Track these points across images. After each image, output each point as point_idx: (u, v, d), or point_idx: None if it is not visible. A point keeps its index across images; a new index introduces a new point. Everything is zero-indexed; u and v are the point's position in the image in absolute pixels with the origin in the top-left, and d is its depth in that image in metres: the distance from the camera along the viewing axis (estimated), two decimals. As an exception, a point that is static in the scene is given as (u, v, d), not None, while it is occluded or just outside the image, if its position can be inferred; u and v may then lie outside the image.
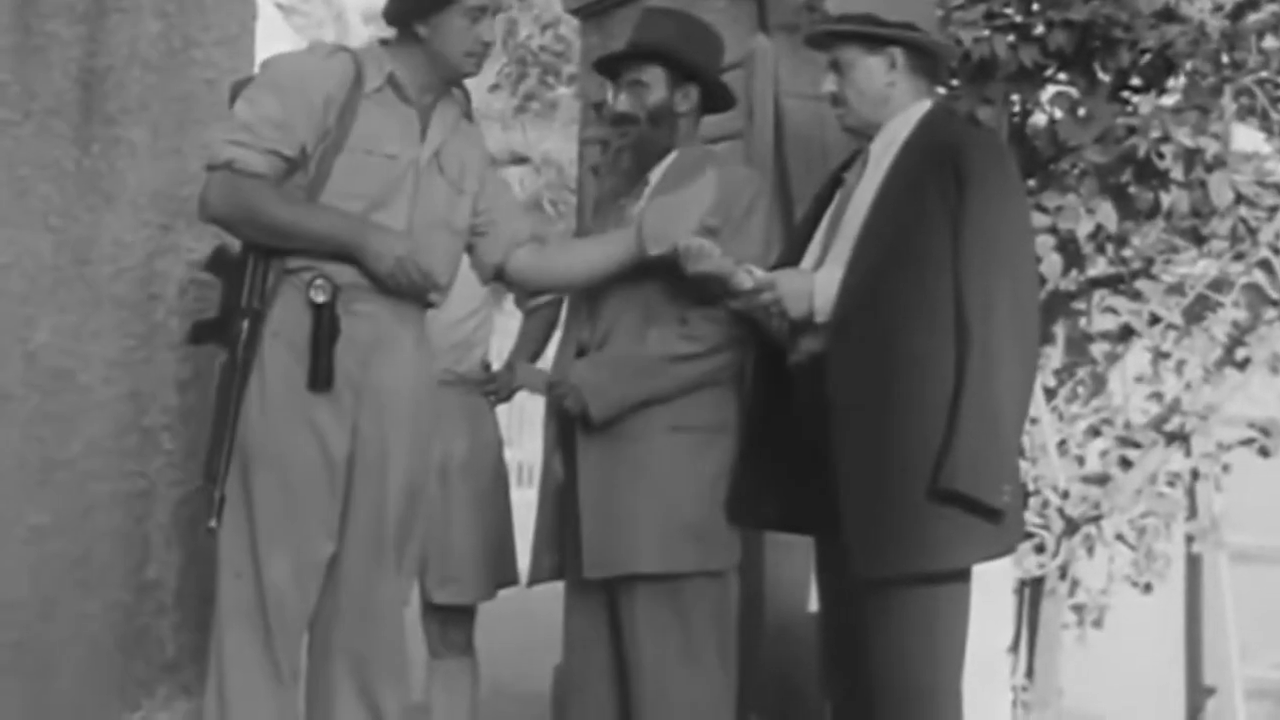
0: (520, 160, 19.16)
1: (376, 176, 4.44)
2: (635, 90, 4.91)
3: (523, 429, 17.08)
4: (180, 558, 5.02)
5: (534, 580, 5.01)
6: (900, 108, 4.54)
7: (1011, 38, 5.79)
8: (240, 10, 5.20)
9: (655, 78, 4.91)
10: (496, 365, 5.70)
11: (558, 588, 5.08)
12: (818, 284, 4.40)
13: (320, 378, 4.36)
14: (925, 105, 4.56)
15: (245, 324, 4.36)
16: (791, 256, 4.68)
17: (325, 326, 4.36)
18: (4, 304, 4.80)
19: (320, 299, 4.35)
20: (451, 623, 5.55)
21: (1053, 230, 5.72)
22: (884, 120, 4.54)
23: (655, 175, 4.95)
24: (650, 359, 4.74)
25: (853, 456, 4.27)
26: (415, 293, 4.45)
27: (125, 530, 4.97)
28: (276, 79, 4.40)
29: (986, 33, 5.70)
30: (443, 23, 4.48)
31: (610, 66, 5.03)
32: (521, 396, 5.93)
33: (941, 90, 5.88)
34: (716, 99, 5.04)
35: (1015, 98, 5.93)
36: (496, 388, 5.66)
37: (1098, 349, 6.38)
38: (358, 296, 4.40)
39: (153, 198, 4.99)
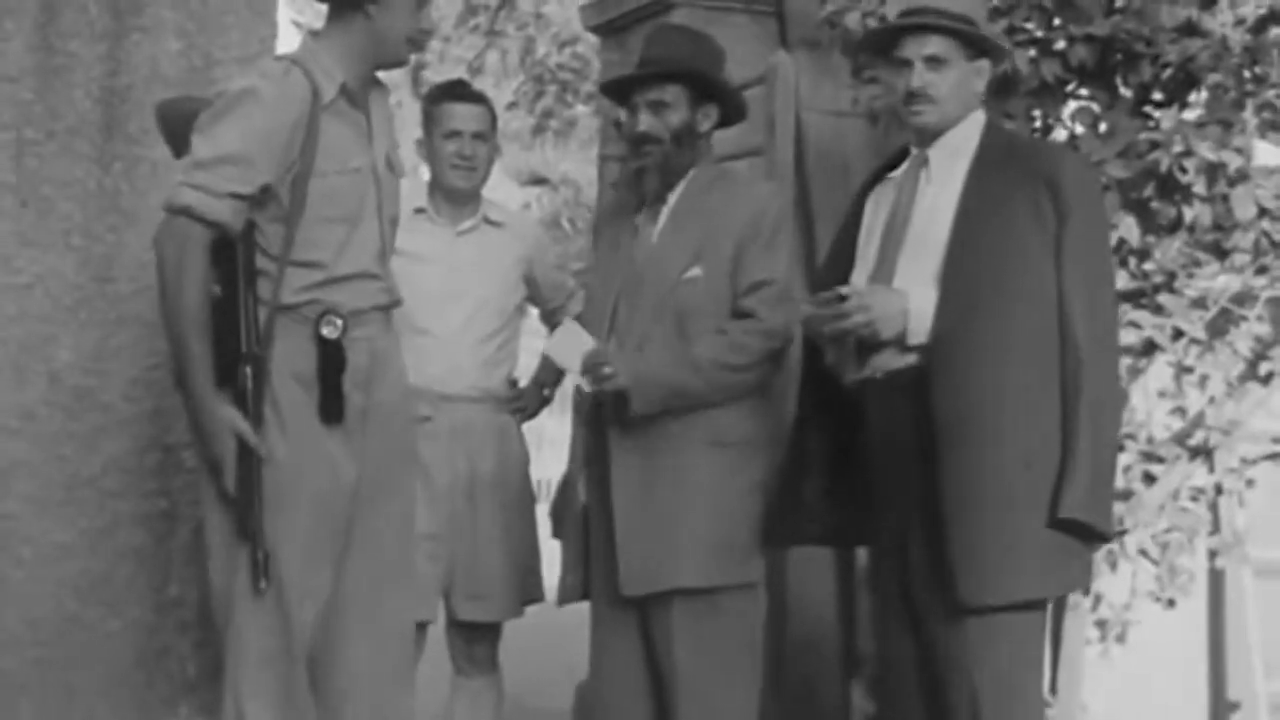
0: (539, 181, 19.18)
1: (349, 195, 4.38)
2: (657, 110, 4.89)
3: (541, 447, 17.09)
4: (201, 576, 5.01)
5: (563, 600, 5.02)
6: (967, 115, 4.50)
7: (1033, 53, 5.77)
8: (260, 28, 5.21)
9: (677, 97, 4.90)
10: (523, 382, 5.69)
11: (581, 605, 5.08)
12: (911, 305, 4.32)
13: (333, 410, 4.33)
14: (980, 115, 4.54)
15: (249, 371, 4.24)
16: (838, 265, 4.65)
17: (334, 359, 4.32)
18: (27, 323, 4.82)
19: (333, 335, 4.30)
20: (477, 640, 5.54)
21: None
22: (952, 127, 4.48)
23: (674, 195, 4.96)
24: (701, 359, 4.76)
25: (962, 480, 4.21)
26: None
27: (147, 549, 4.97)
28: (236, 110, 4.23)
29: (1008, 48, 5.69)
30: (394, 3, 4.38)
31: (625, 86, 5.02)
32: (543, 415, 5.92)
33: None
34: (731, 115, 5.04)
35: (1036, 113, 5.91)
36: (523, 404, 5.65)
37: (1120, 364, 6.35)
38: (356, 323, 4.36)
39: (174, 216, 4.99)
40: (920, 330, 4.30)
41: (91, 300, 4.91)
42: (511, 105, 16.84)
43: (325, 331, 4.29)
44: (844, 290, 4.38)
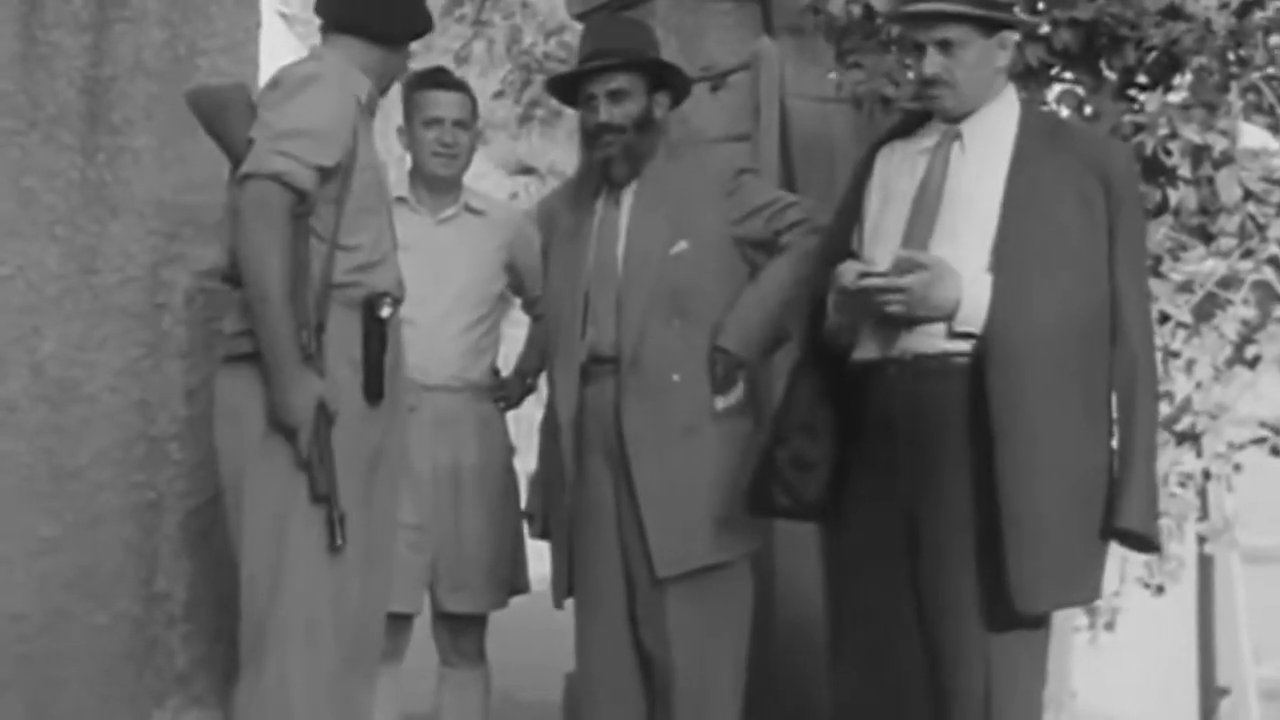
0: (527, 170, 19.15)
1: (381, 190, 4.59)
2: (617, 99, 4.91)
3: (531, 436, 17.07)
4: (190, 569, 5.01)
5: (559, 600, 5.04)
6: (997, 93, 4.36)
7: (1017, 36, 5.77)
8: (245, 18, 5.20)
9: (634, 85, 4.94)
10: (505, 372, 5.68)
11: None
12: (966, 290, 4.14)
13: (376, 389, 4.46)
14: (1012, 94, 4.43)
15: (318, 339, 4.38)
16: (845, 226, 4.50)
17: (382, 339, 4.47)
18: (10, 314, 4.80)
19: (387, 315, 4.47)
20: (463, 631, 5.53)
21: (1061, 230, 5.69)
22: (981, 105, 4.33)
23: (635, 182, 5.00)
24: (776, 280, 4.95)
25: (1019, 480, 4.06)
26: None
27: (134, 541, 4.96)
28: (310, 91, 4.40)
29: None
30: (404, 49, 4.74)
31: (581, 79, 5.01)
32: (528, 405, 5.92)
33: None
34: (678, 100, 5.13)
35: (1022, 96, 5.91)
36: (506, 394, 5.64)
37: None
38: (391, 304, 4.53)
39: (158, 207, 4.98)
40: (974, 318, 4.13)
41: (76, 291, 4.89)
42: (498, 94, 16.76)
43: (383, 312, 4.46)
44: (922, 258, 4.17)
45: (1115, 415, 4.24)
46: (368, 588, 4.51)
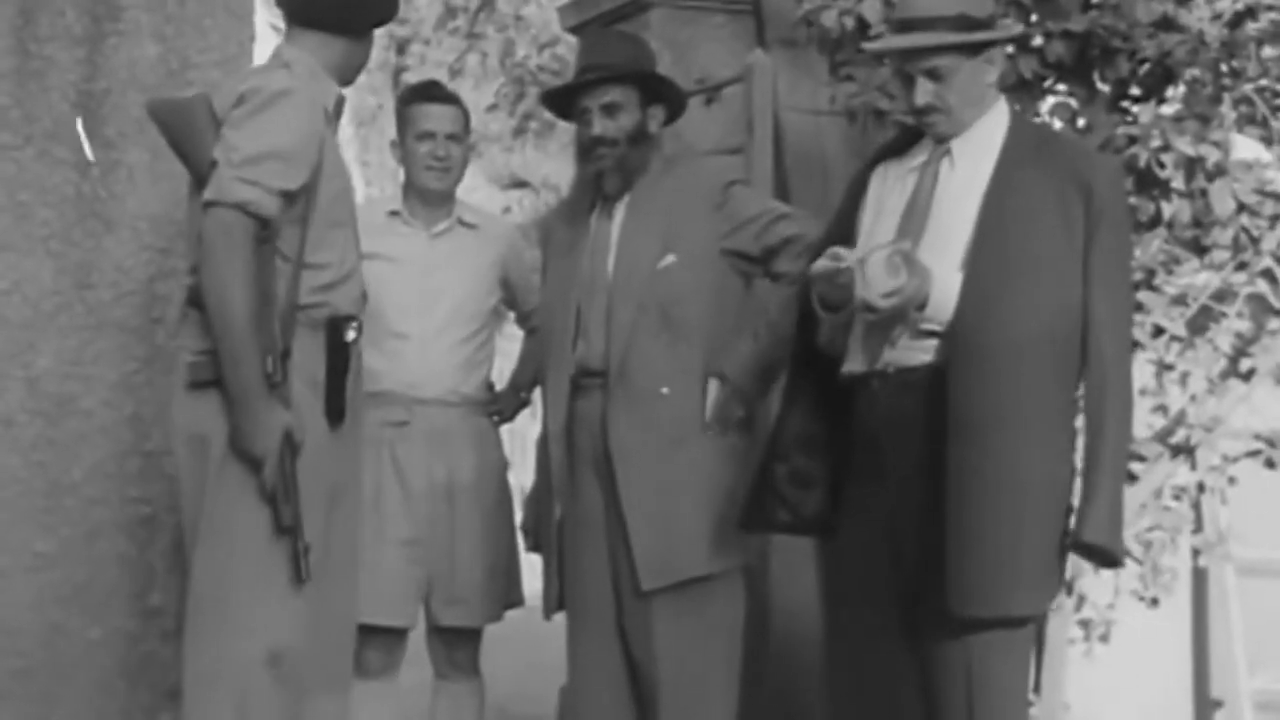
0: (520, 184, 19.16)
1: (347, 201, 4.56)
2: (610, 113, 4.91)
3: (526, 452, 17.08)
4: (183, 584, 5.00)
5: (549, 612, 5.04)
6: (988, 108, 4.34)
7: (1010, 49, 5.77)
8: (238, 32, 5.20)
9: (628, 99, 4.93)
10: (500, 386, 5.68)
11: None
12: (935, 284, 4.14)
13: (338, 411, 4.43)
14: (1003, 106, 4.40)
15: (283, 366, 4.31)
16: (840, 241, 4.40)
17: (344, 361, 4.44)
18: (5, 329, 4.81)
19: (351, 339, 4.44)
20: (457, 645, 5.53)
21: (1055, 242, 5.70)
22: (974, 122, 4.32)
23: (628, 196, 4.99)
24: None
25: (971, 486, 4.06)
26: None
27: (129, 556, 4.96)
28: (277, 109, 4.32)
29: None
30: (368, 37, 4.64)
31: (574, 92, 5.01)
32: (521, 420, 5.92)
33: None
34: (674, 114, 5.13)
35: (1015, 109, 5.91)
36: (500, 408, 5.64)
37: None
38: (356, 328, 4.50)
39: (152, 221, 4.98)
40: (941, 313, 4.14)
41: (71, 306, 4.89)
42: (492, 107, 16.81)
43: (348, 337, 4.43)
44: (901, 247, 4.13)
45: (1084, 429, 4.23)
46: (333, 610, 4.48)
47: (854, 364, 4.31)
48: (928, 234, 4.24)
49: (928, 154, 4.37)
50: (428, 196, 5.54)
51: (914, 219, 4.28)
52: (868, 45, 4.81)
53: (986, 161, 4.28)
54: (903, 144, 4.53)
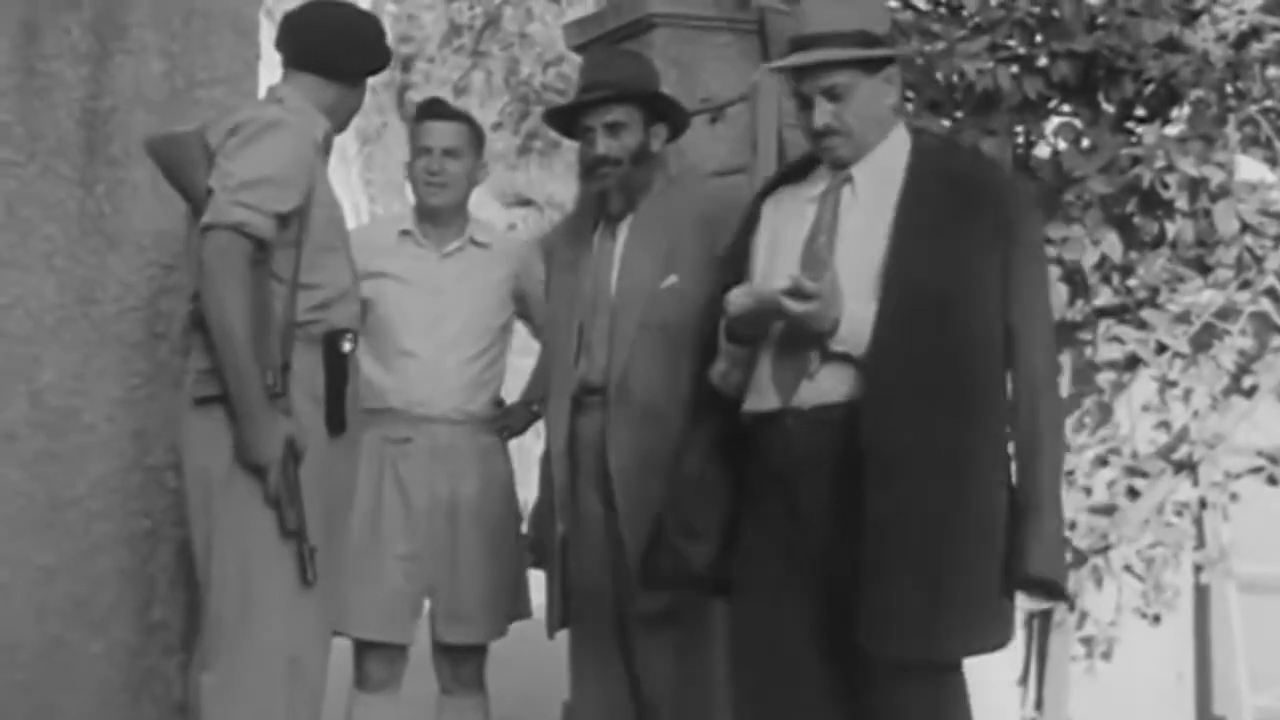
0: (525, 202, 19.19)
1: (339, 229, 4.64)
2: (614, 132, 4.91)
3: (530, 468, 17.08)
4: (186, 598, 5.00)
5: (553, 630, 5.04)
6: (888, 132, 4.17)
7: (1015, 69, 5.79)
8: (243, 50, 5.20)
9: (632, 117, 4.92)
10: (511, 402, 5.68)
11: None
12: (846, 313, 3.95)
13: (339, 422, 4.53)
14: (902, 130, 4.23)
15: (284, 379, 4.41)
16: (727, 288, 4.21)
17: (343, 373, 4.53)
18: (8, 344, 4.81)
19: (348, 350, 4.53)
20: (462, 661, 5.52)
21: (1058, 261, 5.71)
22: (874, 146, 4.15)
23: (631, 215, 4.99)
24: None
25: (892, 527, 3.85)
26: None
27: (131, 570, 4.96)
28: (270, 136, 4.43)
29: (990, 64, 5.71)
30: (360, 86, 4.78)
31: (578, 111, 5.00)
32: (526, 436, 5.92)
33: (945, 122, 5.89)
34: (676, 132, 5.12)
35: (1019, 129, 5.94)
36: (510, 422, 5.64)
37: (1104, 378, 6.36)
38: (351, 340, 4.58)
39: (156, 238, 4.99)
40: (853, 340, 3.94)
41: (74, 321, 4.90)
42: (497, 126, 16.84)
43: (344, 348, 4.52)
44: (810, 287, 3.91)
45: (1015, 459, 4.06)
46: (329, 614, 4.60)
47: (763, 401, 4.12)
48: (836, 268, 4.02)
49: (826, 182, 4.20)
50: (433, 215, 5.54)
51: (816, 252, 4.11)
52: (766, 65, 4.74)
53: (891, 187, 4.10)
54: (797, 172, 4.37)
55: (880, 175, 4.13)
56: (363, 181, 19.31)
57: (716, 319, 4.23)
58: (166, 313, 5.00)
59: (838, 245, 4.08)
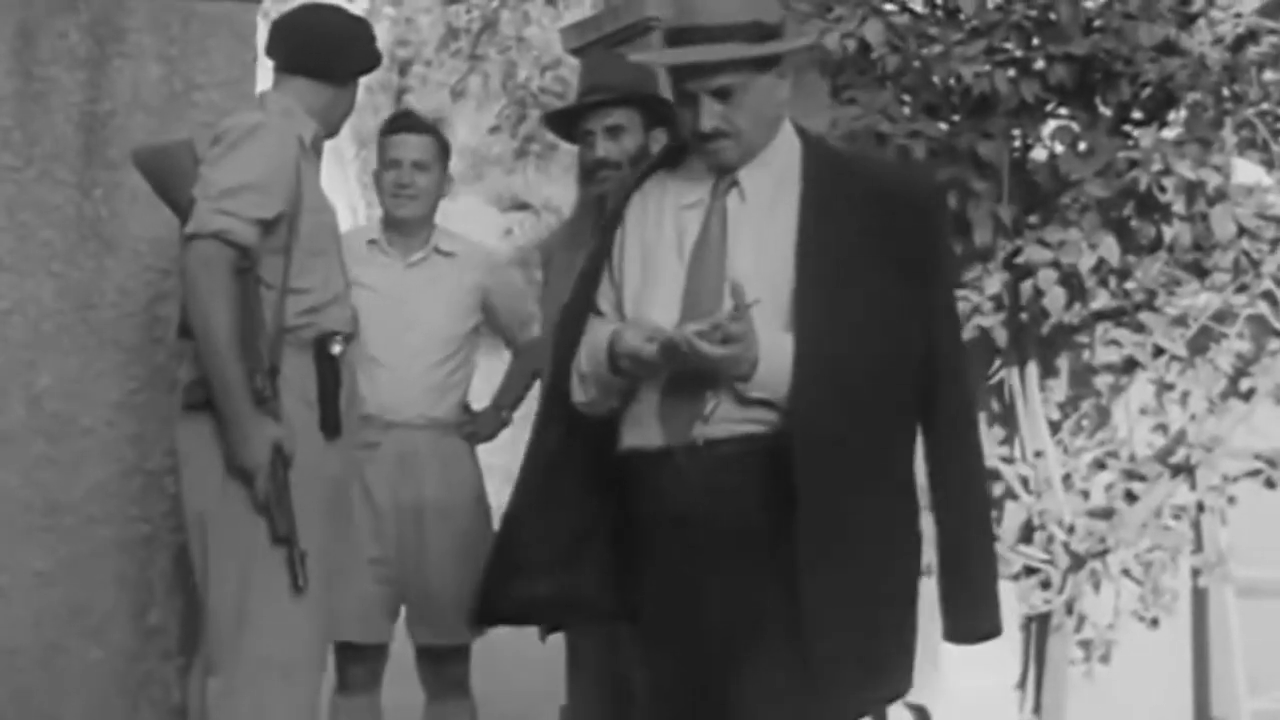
0: (522, 206, 19.18)
1: (330, 233, 4.63)
2: (614, 135, 4.90)
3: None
4: (183, 603, 5.00)
5: (545, 634, 5.03)
6: (777, 128, 3.77)
7: (1012, 72, 5.79)
8: (242, 54, 5.21)
9: (632, 121, 4.92)
10: (478, 407, 5.71)
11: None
12: (762, 351, 3.56)
13: (333, 424, 4.52)
14: (789, 129, 3.81)
15: (272, 383, 4.39)
16: (581, 304, 3.91)
17: (336, 375, 4.53)
18: (7, 349, 4.82)
19: (338, 352, 4.52)
20: (444, 664, 5.54)
21: (1055, 264, 5.71)
22: (763, 148, 3.75)
23: None
24: None
25: (827, 564, 3.53)
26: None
27: (129, 575, 4.96)
28: (250, 143, 4.41)
29: (987, 68, 5.71)
30: (352, 87, 4.76)
31: (577, 114, 5.00)
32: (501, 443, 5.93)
33: (942, 125, 5.89)
34: (674, 138, 5.10)
35: (1016, 132, 5.93)
36: (476, 428, 5.66)
37: (1101, 381, 6.37)
38: (341, 341, 4.58)
39: (154, 243, 4.99)
40: (773, 384, 3.58)
41: (72, 326, 4.90)
42: (493, 129, 16.81)
43: (334, 350, 4.51)
44: (734, 329, 3.51)
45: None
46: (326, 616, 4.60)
47: (645, 438, 3.74)
48: (728, 285, 3.58)
49: (708, 188, 3.79)
50: (399, 225, 5.61)
51: (707, 269, 3.70)
52: (636, 56, 4.37)
53: (786, 194, 3.72)
54: (664, 166, 3.96)
55: (771, 180, 3.75)
56: (360, 184, 19.30)
57: (573, 334, 3.89)
58: (164, 317, 5.00)
59: (730, 261, 3.69)
